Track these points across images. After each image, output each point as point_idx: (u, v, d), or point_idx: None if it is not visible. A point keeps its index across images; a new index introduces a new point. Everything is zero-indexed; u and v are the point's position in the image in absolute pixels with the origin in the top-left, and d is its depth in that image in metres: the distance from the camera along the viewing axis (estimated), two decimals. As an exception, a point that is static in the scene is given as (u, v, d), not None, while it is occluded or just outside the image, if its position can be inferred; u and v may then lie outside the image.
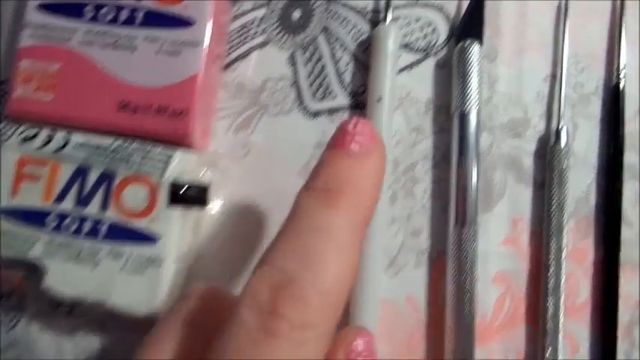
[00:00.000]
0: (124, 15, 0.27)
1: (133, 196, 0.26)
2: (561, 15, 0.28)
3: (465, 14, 0.28)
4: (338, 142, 0.19)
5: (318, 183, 0.19)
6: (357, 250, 0.18)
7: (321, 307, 0.16)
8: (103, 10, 0.27)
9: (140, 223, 0.26)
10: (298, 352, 0.16)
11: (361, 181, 0.18)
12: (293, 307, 0.16)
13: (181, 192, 0.26)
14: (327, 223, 0.17)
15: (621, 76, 0.27)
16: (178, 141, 0.27)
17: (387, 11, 0.28)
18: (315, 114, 0.29)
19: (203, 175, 0.28)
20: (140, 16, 0.27)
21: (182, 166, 0.26)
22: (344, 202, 0.18)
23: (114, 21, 0.27)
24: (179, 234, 0.26)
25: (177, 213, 0.26)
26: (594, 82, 0.28)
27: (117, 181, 0.26)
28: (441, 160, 0.28)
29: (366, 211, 0.18)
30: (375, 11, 0.29)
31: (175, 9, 0.27)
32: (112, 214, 0.26)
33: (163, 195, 0.26)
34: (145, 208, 0.26)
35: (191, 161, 0.27)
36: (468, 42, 0.27)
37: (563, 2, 0.28)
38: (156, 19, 0.27)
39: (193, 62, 0.26)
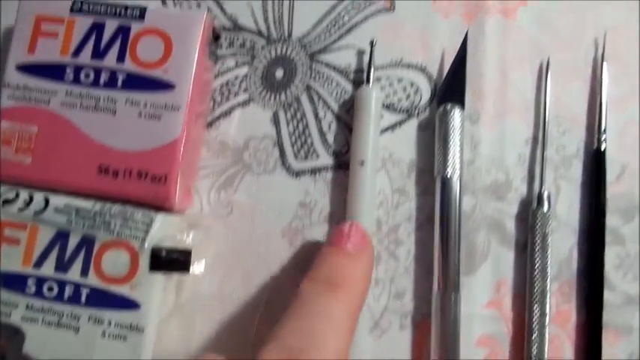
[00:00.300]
0: (104, 77, 0.27)
1: (114, 261, 0.26)
2: (542, 77, 0.28)
3: (446, 77, 0.28)
4: (335, 241, 0.23)
5: (319, 275, 0.22)
6: (352, 333, 0.21)
7: None
8: (84, 72, 0.27)
9: (121, 289, 0.26)
10: None
11: (354, 276, 0.22)
12: None
13: (163, 257, 0.26)
14: (327, 309, 0.21)
15: (602, 139, 0.27)
16: (159, 205, 0.27)
17: (369, 73, 0.28)
18: (298, 173, 0.29)
19: (185, 238, 0.28)
20: (121, 78, 0.27)
21: (164, 230, 0.26)
22: (341, 293, 0.21)
23: (95, 83, 0.27)
24: (161, 299, 0.26)
25: (159, 278, 0.26)
26: (576, 144, 0.28)
27: (97, 246, 0.26)
28: (424, 222, 0.28)
29: (359, 300, 0.22)
30: (358, 71, 0.29)
31: (157, 72, 0.27)
32: (92, 280, 0.26)
33: (145, 260, 0.26)
34: (126, 274, 0.26)
35: (173, 224, 0.27)
36: (450, 106, 0.27)
37: (544, 65, 0.28)
38: (137, 82, 0.27)
39: (174, 126, 0.26)
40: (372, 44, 0.28)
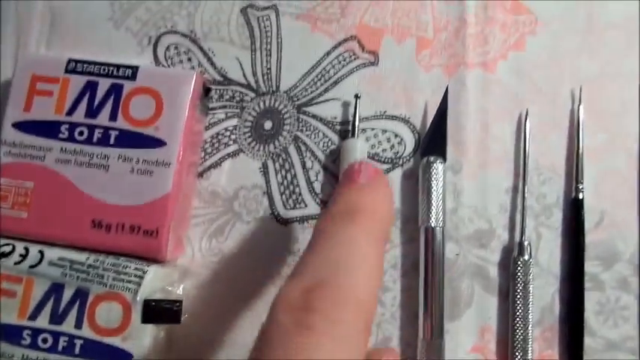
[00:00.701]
0: (98, 135, 0.28)
1: (107, 313, 0.26)
2: (522, 128, 0.29)
3: (429, 129, 0.29)
4: (349, 177, 0.22)
5: (336, 209, 0.21)
6: (379, 261, 0.20)
7: (353, 308, 0.17)
8: (78, 130, 0.28)
9: (114, 341, 0.26)
10: (334, 347, 0.16)
11: (373, 202, 0.21)
12: (326, 304, 0.17)
13: (154, 309, 0.27)
14: (349, 237, 0.19)
15: (580, 188, 0.28)
16: (151, 257, 0.27)
17: (354, 126, 0.29)
18: (287, 221, 0.30)
19: (177, 289, 0.29)
20: (114, 135, 0.28)
21: (156, 281, 0.27)
22: (361, 220, 0.20)
23: (88, 140, 0.28)
24: (152, 348, 0.27)
25: (151, 328, 0.27)
26: (555, 193, 0.29)
27: (91, 298, 0.27)
28: (409, 269, 0.29)
29: (381, 225, 0.21)
30: (344, 123, 0.30)
31: (148, 130, 0.28)
32: (86, 332, 0.26)
33: (137, 312, 0.26)
34: (119, 326, 0.26)
35: (165, 275, 0.28)
36: (432, 159, 0.28)
37: (523, 116, 0.29)
38: (129, 140, 0.28)
39: (165, 182, 0.27)
40: (356, 97, 0.29)
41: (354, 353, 0.17)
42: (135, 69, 0.28)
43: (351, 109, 0.30)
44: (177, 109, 0.28)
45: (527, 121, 0.29)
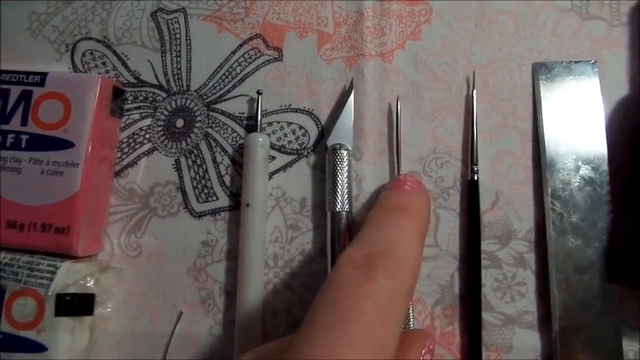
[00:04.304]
0: (10, 139, 0.29)
1: (22, 308, 0.28)
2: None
3: (332, 120, 0.30)
4: (395, 185, 0.26)
5: (387, 204, 0.25)
6: (420, 248, 0.23)
7: (406, 275, 0.21)
8: (-9, 136, 0.29)
9: (29, 334, 0.28)
10: (392, 299, 0.20)
11: (418, 204, 0.25)
12: (385, 265, 0.21)
13: (67, 302, 0.28)
14: (399, 226, 0.23)
15: (475, 169, 0.29)
16: (65, 253, 0.29)
17: (256, 120, 0.30)
18: (200, 215, 0.31)
19: (92, 282, 0.30)
20: (25, 139, 0.29)
21: (69, 276, 0.28)
22: (409, 216, 0.24)
23: (2, 145, 0.29)
24: (69, 341, 0.28)
25: (66, 321, 0.28)
26: (452, 176, 0.30)
27: (7, 295, 0.28)
28: (316, 255, 0.30)
29: (424, 225, 0.25)
30: (250, 118, 0.32)
31: (57, 133, 0.29)
32: (4, 326, 0.28)
33: (50, 306, 0.28)
34: (33, 320, 0.28)
35: (79, 270, 0.29)
36: (337, 146, 0.29)
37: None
38: (39, 142, 0.29)
39: (74, 181, 0.29)
40: (258, 94, 0.31)
41: (403, 308, 0.21)
42: (44, 75, 0.30)
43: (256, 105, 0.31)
44: (84, 112, 0.29)
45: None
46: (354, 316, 0.19)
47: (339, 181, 0.29)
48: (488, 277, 0.29)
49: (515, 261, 0.29)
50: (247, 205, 0.29)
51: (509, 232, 0.29)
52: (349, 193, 0.29)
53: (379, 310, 0.19)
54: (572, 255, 0.28)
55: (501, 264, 0.29)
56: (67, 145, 0.29)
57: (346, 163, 0.29)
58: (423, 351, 0.24)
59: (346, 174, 0.29)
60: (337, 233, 0.29)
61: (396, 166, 0.30)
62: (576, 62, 0.30)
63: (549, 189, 0.29)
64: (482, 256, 0.29)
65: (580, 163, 0.29)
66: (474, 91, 0.30)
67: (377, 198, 0.26)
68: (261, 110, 0.31)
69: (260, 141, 0.30)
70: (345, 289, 0.20)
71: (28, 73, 0.30)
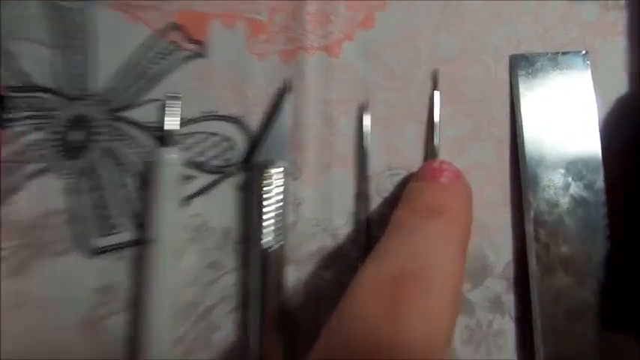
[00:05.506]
0: None
1: None
2: (371, 121, 0.25)
3: (263, 129, 0.24)
4: (428, 174, 0.22)
5: (418, 206, 0.20)
6: (462, 263, 0.19)
7: (440, 300, 0.17)
8: None
9: None
10: (423, 338, 0.17)
11: (456, 205, 0.20)
12: (417, 296, 0.17)
13: None
14: (435, 233, 0.19)
15: (442, 188, 0.24)
16: None
17: (167, 133, 0.24)
18: (99, 252, 0.25)
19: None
20: None
21: None
22: (444, 220, 0.20)
23: None
24: None
25: None
26: (413, 196, 0.24)
27: None
28: (244, 302, 0.24)
29: (465, 229, 0.20)
30: (160, 129, 0.25)
31: None
32: None
33: None
34: None
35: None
36: (268, 163, 0.23)
37: (372, 105, 0.25)
38: None
39: None
40: (171, 98, 0.25)
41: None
42: None
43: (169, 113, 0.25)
44: (-58, 123, 0.23)
45: (378, 110, 0.24)
46: None
47: (271, 207, 0.23)
48: (458, 326, 0.23)
49: (490, 304, 0.24)
50: (152, 240, 0.23)
51: (483, 268, 0.24)
52: (284, 222, 0.23)
53: None
54: (561, 296, 0.23)
55: (474, 308, 0.23)
56: None
57: (280, 184, 0.23)
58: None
59: (280, 197, 0.23)
60: (266, 274, 0.23)
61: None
62: (564, 53, 0.25)
63: (532, 212, 0.23)
64: (452, 297, 0.23)
65: (570, 179, 0.23)
66: (438, 91, 0.24)
67: (403, 191, 0.21)
68: (181, 118, 0.25)
69: (167, 158, 0.24)
70: (368, 331, 0.17)
71: None
